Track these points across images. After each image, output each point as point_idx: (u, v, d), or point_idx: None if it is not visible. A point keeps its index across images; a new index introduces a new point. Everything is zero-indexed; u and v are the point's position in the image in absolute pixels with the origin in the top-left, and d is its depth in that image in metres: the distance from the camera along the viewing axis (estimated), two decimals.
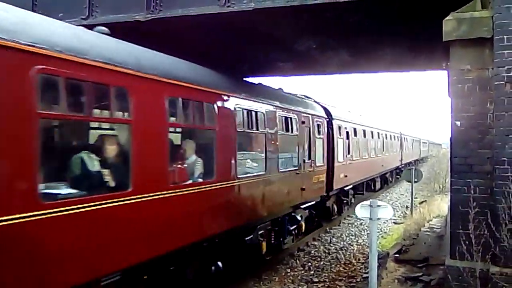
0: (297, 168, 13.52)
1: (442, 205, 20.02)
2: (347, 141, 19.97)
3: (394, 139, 35.74)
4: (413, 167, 24.47)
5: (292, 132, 13.11)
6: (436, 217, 17.88)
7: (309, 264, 13.42)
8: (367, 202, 8.08)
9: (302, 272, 12.63)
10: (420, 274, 10.15)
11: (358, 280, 11.96)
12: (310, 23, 10.24)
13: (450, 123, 8.15)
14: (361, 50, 12.89)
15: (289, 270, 12.70)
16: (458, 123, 8.01)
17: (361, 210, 8.03)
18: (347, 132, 20.10)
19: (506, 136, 7.51)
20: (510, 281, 7.01)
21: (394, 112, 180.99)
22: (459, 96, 8.02)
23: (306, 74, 19.00)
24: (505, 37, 7.50)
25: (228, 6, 9.30)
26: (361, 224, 19.07)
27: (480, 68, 7.87)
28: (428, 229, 15.52)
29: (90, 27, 7.59)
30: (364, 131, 24.08)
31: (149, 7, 9.84)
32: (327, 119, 16.98)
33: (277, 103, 12.07)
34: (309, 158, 14.53)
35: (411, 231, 15.78)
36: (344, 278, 12.14)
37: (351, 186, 20.94)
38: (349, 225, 19.49)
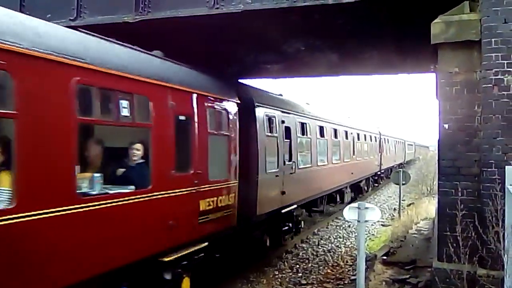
0: (147, 189, 7.34)
1: (429, 207, 20.16)
2: (287, 141, 13.82)
3: (371, 140, 29.77)
4: (401, 169, 24.44)
5: (132, 120, 7.20)
6: (423, 220, 18.00)
7: (297, 266, 13.39)
8: (355, 205, 8.08)
9: (290, 274, 12.60)
10: (408, 276, 10.19)
11: (346, 282, 11.96)
12: (299, 25, 10.24)
13: (438, 125, 8.18)
14: (349, 52, 12.91)
15: (277, 272, 12.65)
16: (446, 125, 8.05)
17: (349, 212, 8.03)
18: (288, 129, 13.90)
19: (493, 139, 7.56)
20: (496, 283, 7.03)
21: (381, 114, 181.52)
22: (447, 99, 8.06)
23: (295, 76, 18.94)
24: (493, 40, 7.56)
25: (217, 8, 9.27)
26: (349, 226, 19.08)
27: (468, 71, 7.93)
28: (416, 232, 15.60)
29: (78, 28, 7.54)
30: (322, 128, 17.82)
31: (138, 8, 9.79)
32: (240, 105, 10.51)
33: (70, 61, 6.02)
34: (187, 169, 8.31)
35: (398, 233, 15.84)
36: (332, 280, 12.13)
37: (295, 206, 14.35)
38: (337, 227, 19.49)
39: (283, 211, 13.37)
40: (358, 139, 25.22)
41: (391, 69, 16.07)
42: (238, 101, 10.40)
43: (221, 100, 9.75)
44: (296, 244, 15.79)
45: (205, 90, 9.16)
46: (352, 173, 23.07)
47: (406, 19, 9.38)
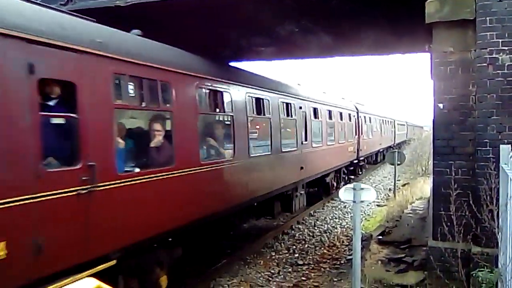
0: None
1: (424, 187, 20.24)
2: (98, 122, 6.36)
3: (341, 119, 21.83)
4: (396, 150, 24.47)
5: None
6: (418, 199, 18.06)
7: (294, 247, 13.47)
8: (351, 185, 8.08)
9: (287, 255, 12.68)
10: (403, 255, 10.26)
11: (342, 262, 12.05)
12: (293, 6, 10.16)
13: (432, 105, 8.19)
14: (343, 33, 12.83)
15: (274, 253, 12.73)
16: (441, 105, 8.06)
17: (345, 193, 8.02)
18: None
19: (488, 118, 7.58)
20: (491, 260, 7.10)
21: (375, 94, 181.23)
22: (441, 78, 8.06)
23: (288, 58, 18.80)
24: (487, 18, 7.54)
25: None
26: (344, 207, 19.18)
27: (462, 50, 7.92)
28: (411, 211, 15.66)
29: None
30: (227, 98, 10.38)
31: None
32: None
33: None
34: None
35: (394, 213, 15.93)
36: (328, 260, 12.23)
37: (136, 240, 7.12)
38: (333, 208, 19.57)
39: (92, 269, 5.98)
40: (316, 116, 17.62)
41: (386, 49, 16.00)
42: None
43: None
44: (292, 225, 15.87)
45: None
46: (302, 168, 15.44)
47: None
